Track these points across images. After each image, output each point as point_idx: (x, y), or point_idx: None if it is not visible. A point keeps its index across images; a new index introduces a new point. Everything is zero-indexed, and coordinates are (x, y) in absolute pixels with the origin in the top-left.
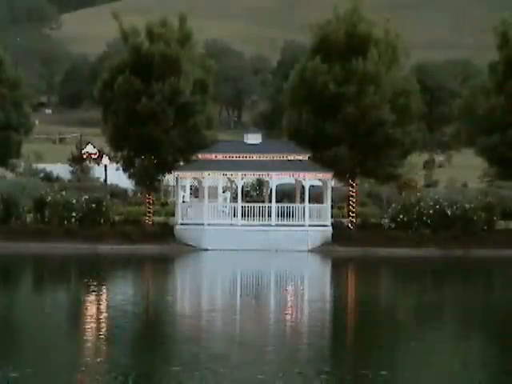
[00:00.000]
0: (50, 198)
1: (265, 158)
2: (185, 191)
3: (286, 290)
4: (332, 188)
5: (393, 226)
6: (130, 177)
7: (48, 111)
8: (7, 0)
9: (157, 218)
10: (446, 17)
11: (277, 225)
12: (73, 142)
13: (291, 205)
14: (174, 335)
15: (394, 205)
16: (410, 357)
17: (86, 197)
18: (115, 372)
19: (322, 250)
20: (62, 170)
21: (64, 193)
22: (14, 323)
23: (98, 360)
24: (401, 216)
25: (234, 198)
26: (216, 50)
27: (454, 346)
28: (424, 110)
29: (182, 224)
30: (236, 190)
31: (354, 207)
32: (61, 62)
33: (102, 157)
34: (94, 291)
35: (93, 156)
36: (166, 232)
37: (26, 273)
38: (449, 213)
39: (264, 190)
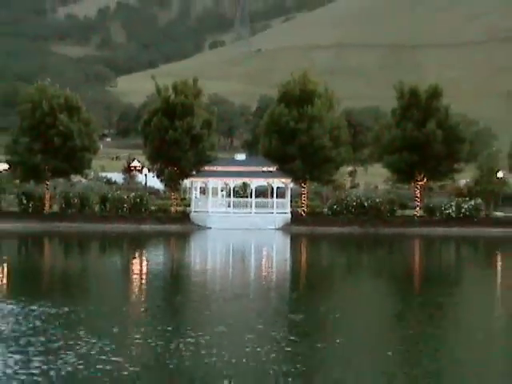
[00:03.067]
0: (110, 195)
1: (248, 169)
2: (196, 190)
3: (264, 252)
4: (291, 188)
5: (330, 213)
6: (161, 181)
7: (108, 139)
8: (82, 67)
9: (178, 208)
10: (363, 78)
11: (255, 212)
12: (125, 158)
13: (265, 199)
14: (190, 284)
15: (330, 199)
16: (341, 297)
17: (133, 194)
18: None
19: (284, 229)
20: (117, 177)
21: (119, 192)
22: (81, 275)
23: (143, 304)
24: (335, 206)
25: (228, 195)
26: (216, 100)
27: (374, 289)
28: (350, 138)
29: (194, 211)
30: (229, 189)
31: (304, 201)
32: (116, 108)
33: (143, 168)
34: (139, 255)
35: (137, 168)
36: (184, 217)
37: (95, 244)
38: (365, 204)
39: (247, 190)
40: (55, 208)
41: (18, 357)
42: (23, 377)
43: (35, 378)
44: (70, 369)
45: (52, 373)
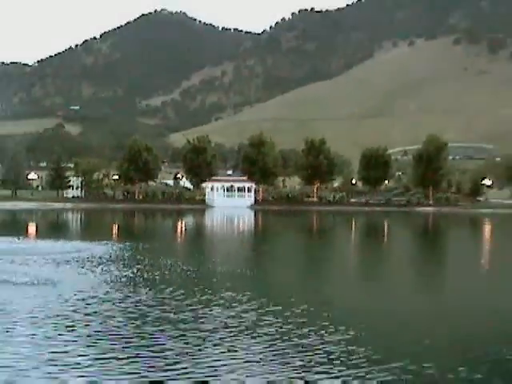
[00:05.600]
0: (166, 191)
1: (233, 178)
2: (208, 188)
3: (241, 220)
4: (254, 187)
5: (273, 199)
6: (191, 184)
7: (166, 164)
8: (153, 130)
9: (200, 197)
10: (287, 135)
11: (237, 199)
12: (174, 173)
13: (242, 193)
14: (206, 234)
15: (273, 193)
16: (282, 239)
17: (177, 190)
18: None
19: (251, 207)
20: (170, 182)
21: (171, 189)
22: (153, 228)
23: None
24: (275, 196)
25: (223, 191)
26: (218, 145)
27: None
28: (282, 163)
29: (208, 198)
30: (225, 188)
31: (260, 193)
32: (169, 149)
33: (183, 177)
34: (181, 219)
35: (180, 177)
36: (203, 201)
37: (160, 214)
38: (290, 195)
39: (233, 188)
40: (140, 197)
41: (126, 272)
42: (130, 275)
43: (138, 279)
44: (155, 274)
45: (147, 277)
